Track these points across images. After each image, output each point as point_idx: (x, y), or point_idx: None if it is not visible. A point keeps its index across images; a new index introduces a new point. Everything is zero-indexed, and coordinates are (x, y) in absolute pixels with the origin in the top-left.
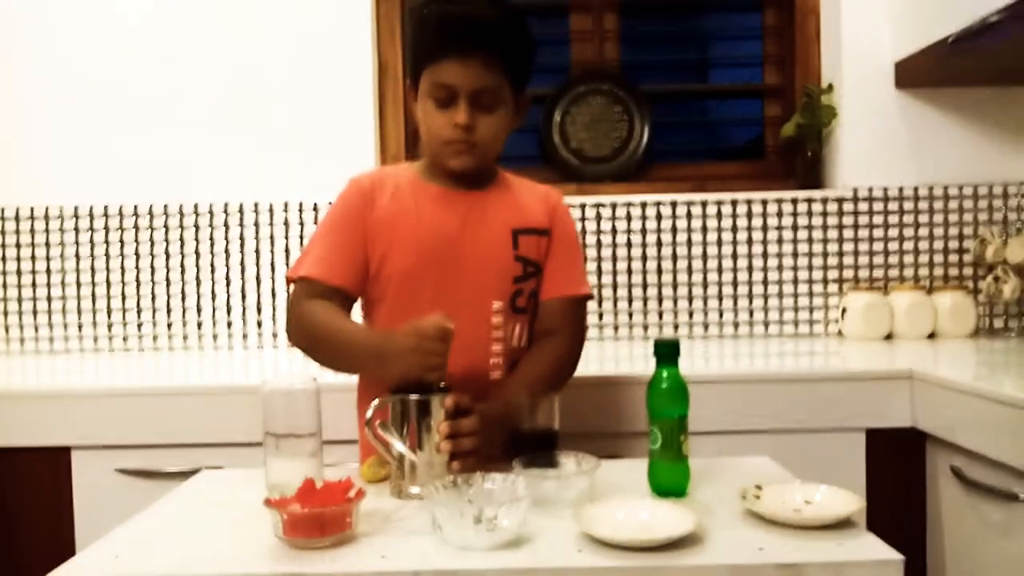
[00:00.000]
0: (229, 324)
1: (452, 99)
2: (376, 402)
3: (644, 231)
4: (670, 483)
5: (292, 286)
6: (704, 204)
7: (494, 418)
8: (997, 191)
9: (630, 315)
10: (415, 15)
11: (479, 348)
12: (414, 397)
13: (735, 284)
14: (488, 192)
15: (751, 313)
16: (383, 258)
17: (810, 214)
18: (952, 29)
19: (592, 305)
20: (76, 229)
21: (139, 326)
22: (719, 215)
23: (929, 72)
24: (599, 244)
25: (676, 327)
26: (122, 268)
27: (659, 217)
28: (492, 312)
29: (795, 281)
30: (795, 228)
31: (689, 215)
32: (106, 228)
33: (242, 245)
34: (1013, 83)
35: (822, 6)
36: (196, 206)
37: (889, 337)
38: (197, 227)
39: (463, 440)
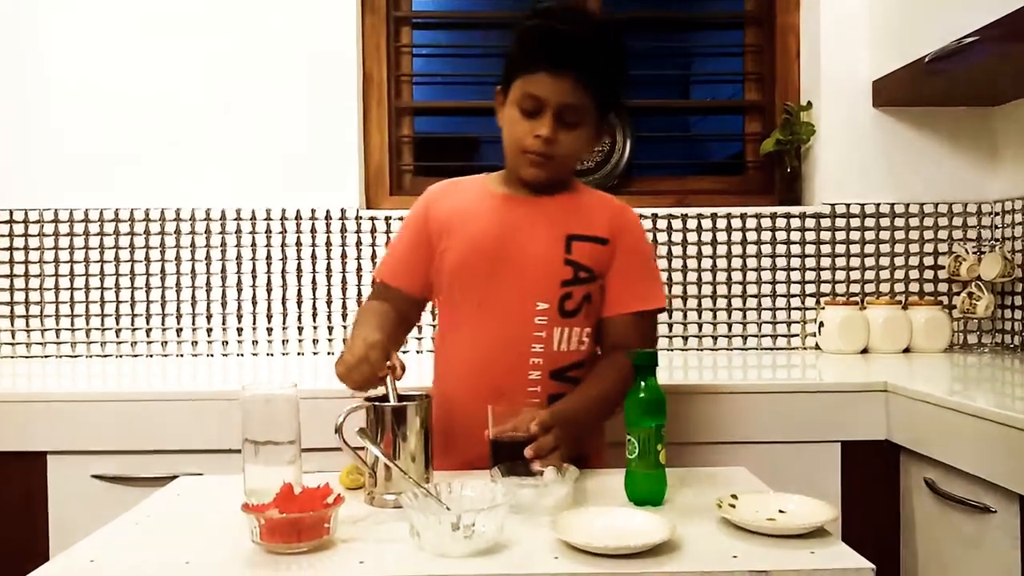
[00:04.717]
0: (209, 331)
1: (539, 111)
2: (347, 408)
3: None
4: (647, 492)
5: None
6: (685, 218)
7: (568, 420)
8: (972, 209)
9: None
10: (518, 27)
11: (520, 346)
12: (389, 404)
13: (714, 297)
14: (552, 198)
15: (729, 326)
16: (442, 255)
17: (788, 229)
18: (928, 50)
19: None
20: (56, 234)
21: (117, 331)
22: (699, 229)
23: (906, 91)
24: None
25: (655, 338)
26: (101, 273)
27: None
28: (536, 312)
29: (773, 295)
30: (774, 243)
31: (670, 228)
32: (86, 233)
33: (223, 252)
34: (987, 103)
35: (802, 25)
36: (178, 212)
37: (865, 351)
38: (178, 233)
39: (550, 457)
